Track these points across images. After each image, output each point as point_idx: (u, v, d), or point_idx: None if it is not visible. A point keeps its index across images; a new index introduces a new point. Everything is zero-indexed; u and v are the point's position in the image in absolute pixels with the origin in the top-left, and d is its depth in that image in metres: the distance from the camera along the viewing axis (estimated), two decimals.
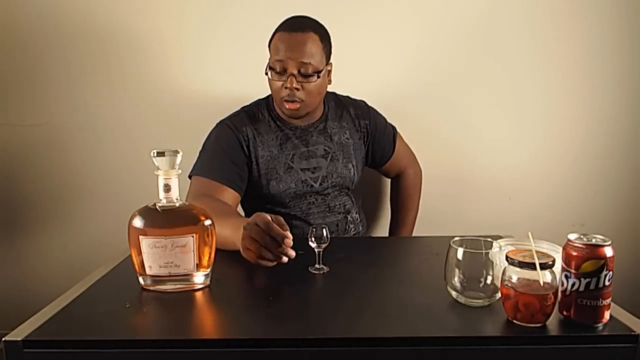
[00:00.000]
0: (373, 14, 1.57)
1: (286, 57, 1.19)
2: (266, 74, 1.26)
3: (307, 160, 1.32)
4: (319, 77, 1.23)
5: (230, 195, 1.24)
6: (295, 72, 1.20)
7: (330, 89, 1.36)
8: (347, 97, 1.45)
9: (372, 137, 1.43)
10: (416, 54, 1.60)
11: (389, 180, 1.62)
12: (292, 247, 0.91)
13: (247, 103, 1.38)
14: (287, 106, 1.23)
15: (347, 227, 1.36)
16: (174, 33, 1.57)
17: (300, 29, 1.21)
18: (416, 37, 1.59)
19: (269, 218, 0.92)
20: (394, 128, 1.48)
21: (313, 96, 1.25)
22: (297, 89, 1.21)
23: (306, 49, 1.19)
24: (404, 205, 1.56)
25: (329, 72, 1.29)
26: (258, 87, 1.38)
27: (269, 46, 1.26)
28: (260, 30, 1.31)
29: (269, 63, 1.24)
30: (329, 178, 1.33)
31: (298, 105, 1.23)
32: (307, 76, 1.21)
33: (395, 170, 1.53)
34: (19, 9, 1.55)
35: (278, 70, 1.21)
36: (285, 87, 1.21)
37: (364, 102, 1.45)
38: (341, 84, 1.39)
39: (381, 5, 1.56)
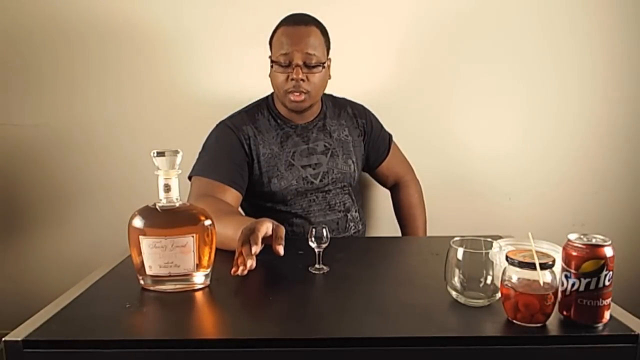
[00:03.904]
0: (366, 18, 1.57)
1: (292, 49, 1.21)
2: (271, 69, 1.26)
3: (307, 157, 1.33)
4: (323, 68, 1.25)
5: (231, 195, 1.24)
6: (300, 63, 1.21)
7: (325, 91, 1.35)
8: (344, 98, 1.46)
9: (369, 137, 1.44)
10: (415, 54, 1.60)
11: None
12: (292, 247, 0.91)
13: (247, 104, 1.38)
14: (292, 97, 1.24)
15: (347, 225, 1.37)
16: (173, 33, 1.57)
17: (302, 22, 1.24)
18: (413, 38, 1.59)
19: (264, 227, 0.93)
20: (390, 135, 1.50)
21: (317, 88, 1.26)
22: (303, 80, 1.22)
23: (310, 41, 1.22)
24: (411, 215, 1.51)
25: (328, 66, 1.30)
26: (259, 87, 1.39)
27: (271, 43, 1.27)
28: (262, 31, 1.31)
29: (271, 58, 1.26)
30: (329, 174, 1.34)
31: (303, 97, 1.24)
32: (311, 67, 1.22)
33: (391, 176, 1.52)
34: (19, 8, 1.54)
35: (283, 63, 1.22)
36: (292, 79, 1.22)
37: (361, 104, 1.47)
38: (336, 88, 1.40)
39: (374, 7, 1.56)
